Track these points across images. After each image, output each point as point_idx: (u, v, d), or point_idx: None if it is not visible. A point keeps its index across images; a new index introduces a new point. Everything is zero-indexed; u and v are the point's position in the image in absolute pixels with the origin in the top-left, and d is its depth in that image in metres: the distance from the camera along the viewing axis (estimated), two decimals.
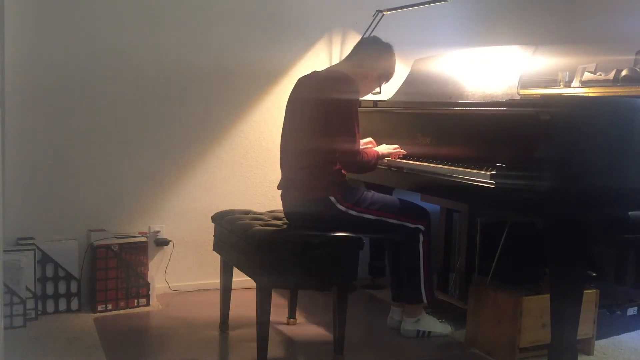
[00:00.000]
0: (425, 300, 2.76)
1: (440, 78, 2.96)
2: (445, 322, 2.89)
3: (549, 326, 2.24)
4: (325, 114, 2.56)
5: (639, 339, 2.85)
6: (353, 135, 2.57)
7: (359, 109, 2.94)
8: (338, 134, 2.56)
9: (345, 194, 2.60)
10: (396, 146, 2.83)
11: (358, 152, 2.60)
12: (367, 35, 3.45)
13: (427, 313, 2.87)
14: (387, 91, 3.34)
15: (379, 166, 2.79)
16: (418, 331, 2.81)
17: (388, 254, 2.98)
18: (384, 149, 2.81)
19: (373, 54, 2.78)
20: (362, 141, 2.85)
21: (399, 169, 2.77)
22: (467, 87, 2.76)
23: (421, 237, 2.72)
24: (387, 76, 2.83)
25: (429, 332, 2.82)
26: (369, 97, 3.11)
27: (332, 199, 2.57)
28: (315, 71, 2.79)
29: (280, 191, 2.75)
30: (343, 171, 2.65)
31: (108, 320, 2.97)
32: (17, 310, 2.81)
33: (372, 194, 2.69)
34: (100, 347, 2.62)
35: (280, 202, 2.74)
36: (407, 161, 2.76)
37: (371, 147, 2.82)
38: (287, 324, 2.96)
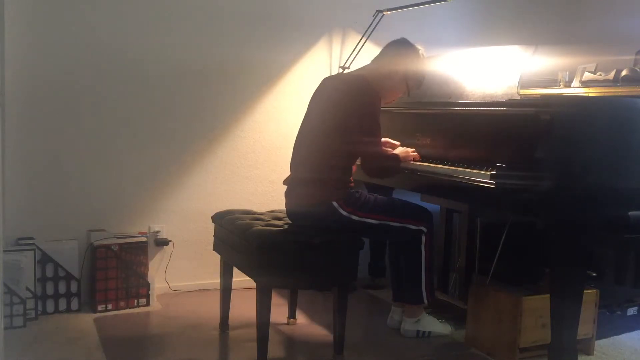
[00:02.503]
0: (425, 301, 2.76)
1: (440, 78, 2.96)
2: (445, 322, 2.89)
3: (549, 326, 2.24)
4: (341, 120, 2.55)
5: (639, 339, 2.85)
6: (377, 139, 2.57)
7: None
8: (362, 139, 2.54)
9: (348, 199, 2.59)
10: (413, 149, 2.77)
11: (381, 156, 2.59)
12: (367, 35, 3.45)
13: (427, 313, 2.87)
14: None
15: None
16: (418, 331, 2.81)
17: (389, 255, 2.98)
18: (402, 152, 2.74)
19: (400, 60, 2.71)
20: (388, 140, 2.85)
21: (407, 170, 2.76)
22: (467, 87, 2.76)
23: (423, 238, 2.72)
24: (415, 82, 2.75)
25: (429, 332, 2.82)
26: None
27: (335, 203, 2.56)
28: (340, 74, 2.76)
29: (285, 187, 2.74)
30: (350, 176, 2.65)
31: (108, 320, 2.97)
32: (17, 310, 2.81)
33: (374, 198, 2.68)
34: (100, 347, 2.62)
35: (281, 202, 2.74)
36: (415, 162, 2.75)
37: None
38: (287, 324, 2.96)
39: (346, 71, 3.33)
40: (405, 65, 2.70)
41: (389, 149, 2.78)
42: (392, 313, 2.93)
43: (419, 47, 2.76)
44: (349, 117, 2.55)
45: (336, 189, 2.58)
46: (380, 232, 2.69)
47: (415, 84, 2.77)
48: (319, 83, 2.81)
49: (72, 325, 2.88)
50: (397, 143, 2.84)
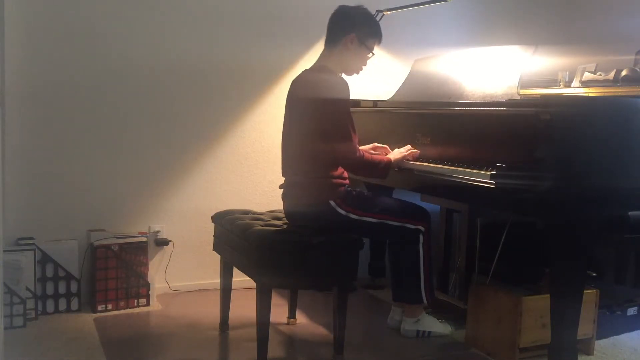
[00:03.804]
0: (425, 301, 2.76)
1: (440, 78, 2.96)
2: (445, 322, 2.88)
3: (549, 326, 2.24)
4: (316, 117, 2.54)
5: (639, 339, 2.85)
6: (346, 135, 2.54)
7: (359, 109, 2.94)
8: (331, 136, 2.53)
9: (345, 198, 2.59)
10: (408, 147, 2.76)
11: (354, 151, 2.56)
12: None
13: (427, 313, 2.87)
14: (387, 91, 3.35)
15: None
16: (418, 331, 2.81)
17: (389, 255, 2.98)
18: (396, 154, 2.72)
19: (347, 25, 2.64)
20: (376, 145, 2.85)
21: (399, 169, 2.77)
22: (467, 87, 2.76)
23: (421, 238, 2.71)
24: (372, 38, 2.67)
25: (429, 332, 2.82)
26: (369, 97, 3.11)
27: (332, 203, 2.56)
28: (304, 71, 2.73)
29: (281, 190, 2.74)
30: (345, 174, 2.64)
31: (108, 320, 2.97)
32: (17, 310, 2.81)
33: (373, 197, 2.68)
34: (100, 347, 2.62)
35: (280, 202, 2.74)
36: (408, 161, 2.76)
37: (383, 154, 2.75)
38: (287, 324, 2.96)
39: None
40: (354, 28, 2.63)
41: (380, 153, 2.77)
42: (392, 313, 2.92)
43: (359, 6, 2.69)
44: (317, 116, 2.53)
45: (331, 188, 2.57)
46: (379, 231, 2.69)
47: (373, 40, 2.69)
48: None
49: (72, 325, 2.88)
50: (385, 146, 2.84)
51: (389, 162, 2.66)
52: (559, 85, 3.24)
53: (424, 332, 2.81)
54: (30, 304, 2.90)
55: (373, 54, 2.72)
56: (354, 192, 2.63)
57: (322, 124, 2.54)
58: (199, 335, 2.80)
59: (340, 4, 2.87)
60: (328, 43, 2.71)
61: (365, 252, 3.46)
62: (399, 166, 2.71)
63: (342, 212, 2.57)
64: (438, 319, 2.88)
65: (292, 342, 2.81)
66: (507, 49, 2.71)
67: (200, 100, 3.40)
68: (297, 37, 3.57)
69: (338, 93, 2.55)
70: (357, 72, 2.74)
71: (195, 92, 3.39)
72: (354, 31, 2.63)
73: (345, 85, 2.57)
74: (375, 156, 2.66)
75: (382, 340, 2.81)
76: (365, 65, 2.74)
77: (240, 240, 2.53)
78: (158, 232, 3.35)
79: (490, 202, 2.39)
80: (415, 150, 2.74)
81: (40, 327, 2.85)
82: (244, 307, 3.03)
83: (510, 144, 2.27)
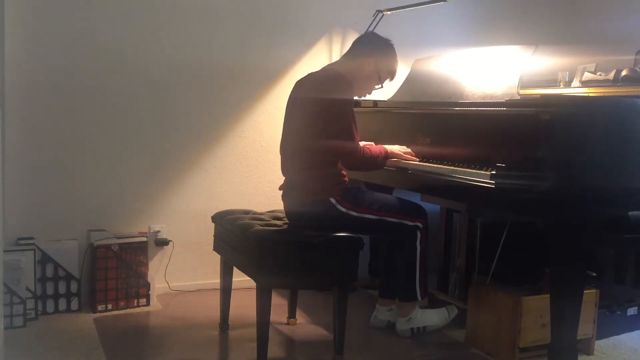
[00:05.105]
0: (419, 297, 2.76)
1: (440, 78, 2.96)
2: (445, 308, 2.86)
3: (549, 326, 2.25)
4: (321, 116, 2.56)
5: (639, 339, 2.85)
6: (350, 135, 2.57)
7: (359, 109, 2.95)
8: (335, 135, 2.55)
9: (346, 195, 2.60)
10: (407, 149, 2.78)
11: (357, 151, 2.60)
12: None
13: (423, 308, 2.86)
14: (387, 91, 3.35)
15: None
16: (412, 329, 2.80)
17: (385, 251, 2.97)
18: (394, 148, 2.76)
19: (370, 50, 2.74)
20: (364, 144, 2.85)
21: (399, 168, 2.77)
22: (467, 87, 2.76)
23: (419, 234, 2.72)
24: (387, 72, 2.78)
25: (424, 327, 2.81)
26: (369, 97, 3.11)
27: (333, 200, 2.57)
28: (310, 73, 2.78)
29: (281, 192, 2.74)
30: (343, 172, 2.65)
31: (108, 320, 2.97)
32: (17, 310, 2.81)
33: (371, 194, 2.69)
34: (100, 347, 2.62)
35: (280, 202, 2.75)
36: (408, 161, 2.76)
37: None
38: (287, 324, 2.96)
39: None
40: (375, 56, 2.73)
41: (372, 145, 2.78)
42: (376, 312, 2.92)
43: (388, 40, 2.80)
44: (322, 115, 2.56)
45: (331, 186, 2.59)
46: (378, 228, 2.70)
47: (387, 74, 2.79)
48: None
49: (72, 325, 2.88)
50: (371, 143, 2.84)
51: (386, 152, 2.71)
52: (559, 85, 3.24)
53: (418, 328, 2.81)
54: (30, 304, 2.90)
55: (381, 87, 2.81)
56: (353, 190, 2.64)
57: (326, 124, 2.56)
58: (199, 335, 2.80)
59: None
60: (347, 56, 2.80)
61: (365, 252, 3.45)
62: (394, 158, 2.73)
63: (343, 209, 2.58)
64: (435, 307, 2.86)
65: (292, 342, 2.81)
66: (507, 49, 2.71)
67: (200, 100, 3.40)
68: (297, 37, 3.57)
69: (343, 93, 2.59)
70: (359, 96, 2.80)
71: (195, 92, 3.39)
72: (374, 57, 2.73)
73: (349, 84, 2.62)
74: (373, 149, 2.69)
75: (382, 340, 2.81)
76: (369, 93, 2.82)
77: (240, 240, 2.53)
78: (158, 232, 3.35)
79: (490, 202, 2.39)
80: (412, 157, 2.74)
81: (40, 327, 2.85)
82: (244, 307, 3.03)
83: (510, 144, 2.27)
